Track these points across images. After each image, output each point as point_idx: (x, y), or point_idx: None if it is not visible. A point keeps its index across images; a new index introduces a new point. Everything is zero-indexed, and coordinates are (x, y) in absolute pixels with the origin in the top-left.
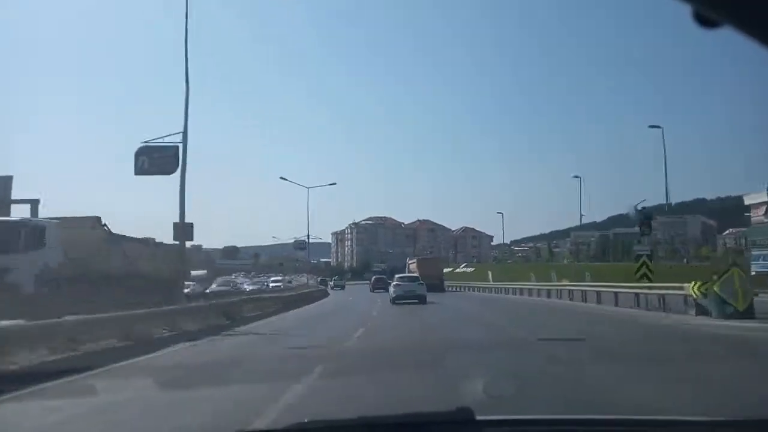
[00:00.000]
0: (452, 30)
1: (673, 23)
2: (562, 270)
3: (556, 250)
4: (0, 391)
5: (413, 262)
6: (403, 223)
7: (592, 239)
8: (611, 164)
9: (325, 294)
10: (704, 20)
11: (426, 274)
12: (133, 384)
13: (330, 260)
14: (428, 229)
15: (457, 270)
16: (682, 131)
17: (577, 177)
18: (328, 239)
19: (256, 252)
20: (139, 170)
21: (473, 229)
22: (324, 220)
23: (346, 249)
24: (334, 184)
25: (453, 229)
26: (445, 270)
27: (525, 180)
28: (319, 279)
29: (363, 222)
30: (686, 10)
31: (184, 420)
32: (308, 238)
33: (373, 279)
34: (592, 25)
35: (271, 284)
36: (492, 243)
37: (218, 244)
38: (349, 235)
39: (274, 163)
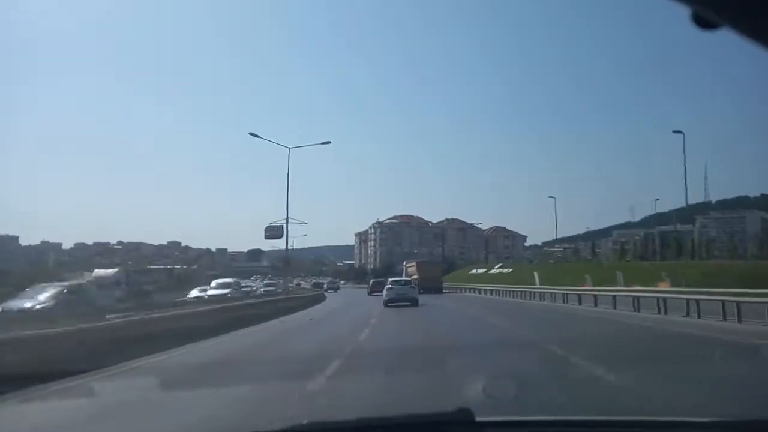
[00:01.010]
0: (478, 26)
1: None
2: (631, 271)
3: (597, 251)
4: (0, 391)
5: (412, 266)
6: (430, 222)
7: (637, 238)
8: (642, 164)
9: (315, 300)
10: (703, 22)
11: (424, 277)
12: None
13: (353, 262)
14: (457, 228)
15: (492, 271)
16: (726, 128)
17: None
18: (351, 241)
19: (281, 255)
20: None
21: (505, 228)
22: (347, 220)
23: (369, 250)
24: (329, 142)
25: (484, 228)
26: (478, 271)
27: (558, 179)
28: (312, 282)
29: (387, 221)
30: (685, 12)
31: None
32: (287, 223)
33: (371, 282)
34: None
35: (263, 289)
36: (525, 243)
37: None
38: (372, 235)
39: (297, 161)
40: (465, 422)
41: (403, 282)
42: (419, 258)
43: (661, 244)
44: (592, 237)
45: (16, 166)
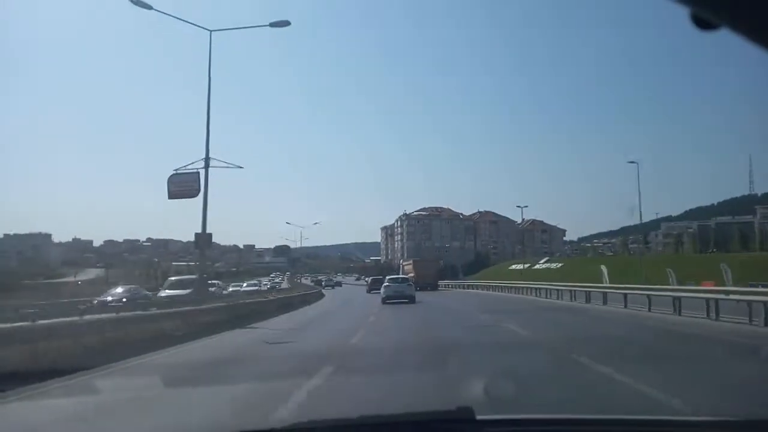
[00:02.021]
0: (505, 17)
1: None
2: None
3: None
4: (0, 390)
5: (409, 264)
6: (461, 213)
7: (689, 230)
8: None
9: (305, 300)
10: (702, 23)
11: (421, 275)
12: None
13: (380, 258)
14: (490, 221)
15: (536, 266)
16: None
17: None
18: (377, 238)
19: (308, 252)
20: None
21: (542, 222)
22: (376, 216)
23: (396, 244)
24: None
25: (518, 221)
26: (519, 266)
27: (595, 171)
28: (312, 280)
29: (415, 213)
30: (685, 12)
31: None
32: (207, 168)
33: (370, 280)
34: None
35: (244, 287)
36: (564, 238)
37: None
38: (398, 229)
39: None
40: (466, 420)
41: (400, 280)
42: (452, 252)
43: (716, 236)
44: (629, 232)
45: (49, 165)
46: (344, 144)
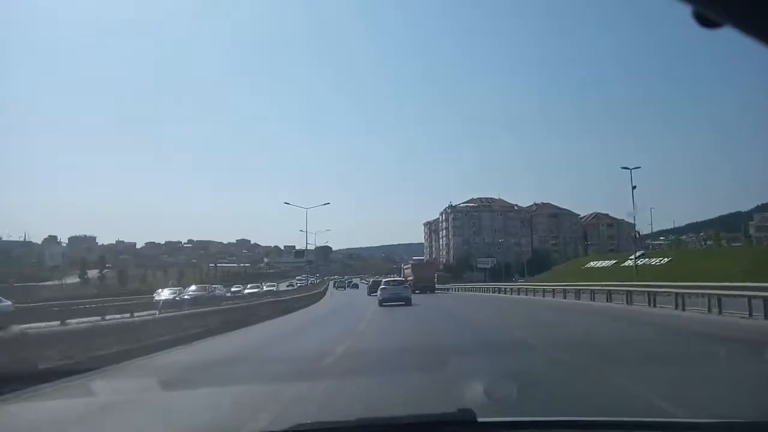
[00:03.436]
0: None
1: None
2: None
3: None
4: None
5: (408, 267)
6: (516, 205)
7: None
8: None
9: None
10: (705, 20)
11: (419, 278)
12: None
13: (423, 258)
14: (549, 214)
15: (625, 263)
16: None
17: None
18: (421, 239)
19: (350, 252)
20: None
21: (608, 215)
22: (421, 216)
23: (441, 241)
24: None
25: (581, 214)
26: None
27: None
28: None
29: (462, 205)
30: (686, 10)
31: None
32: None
33: (371, 282)
34: None
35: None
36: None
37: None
38: (443, 224)
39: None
40: (467, 423)
41: (396, 282)
42: (505, 248)
43: None
44: (701, 227)
45: (94, 170)
46: (386, 138)
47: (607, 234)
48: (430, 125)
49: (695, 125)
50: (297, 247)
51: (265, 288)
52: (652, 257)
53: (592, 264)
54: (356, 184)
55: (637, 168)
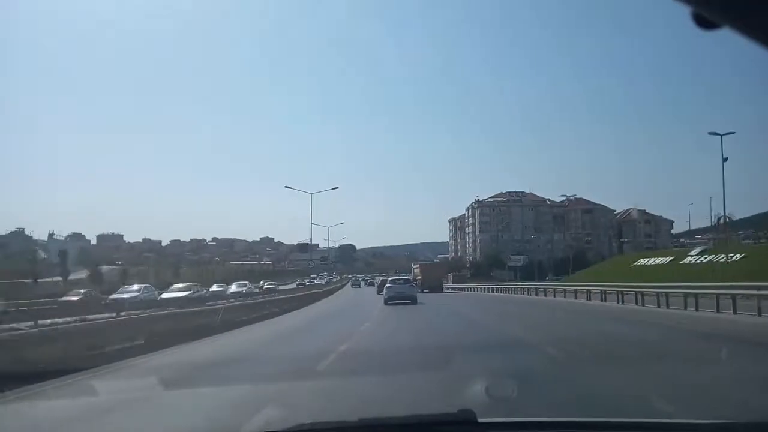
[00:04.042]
0: None
1: None
2: None
3: None
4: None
5: (417, 267)
6: (548, 199)
7: None
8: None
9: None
10: (703, 22)
11: (427, 278)
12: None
13: (448, 255)
14: (583, 209)
15: (685, 260)
16: None
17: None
18: (445, 237)
19: (374, 251)
20: None
21: (645, 211)
22: (446, 214)
23: (468, 238)
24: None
25: (617, 210)
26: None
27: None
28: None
29: (490, 199)
30: (685, 11)
31: None
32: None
33: (379, 281)
34: None
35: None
36: (672, 231)
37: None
38: (469, 220)
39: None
40: (467, 423)
41: (402, 281)
42: (536, 246)
43: None
44: (741, 226)
45: (121, 168)
46: (407, 136)
47: (645, 232)
48: (449, 122)
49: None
50: (320, 246)
51: (266, 286)
52: (715, 253)
53: (642, 261)
54: (380, 182)
55: (731, 133)
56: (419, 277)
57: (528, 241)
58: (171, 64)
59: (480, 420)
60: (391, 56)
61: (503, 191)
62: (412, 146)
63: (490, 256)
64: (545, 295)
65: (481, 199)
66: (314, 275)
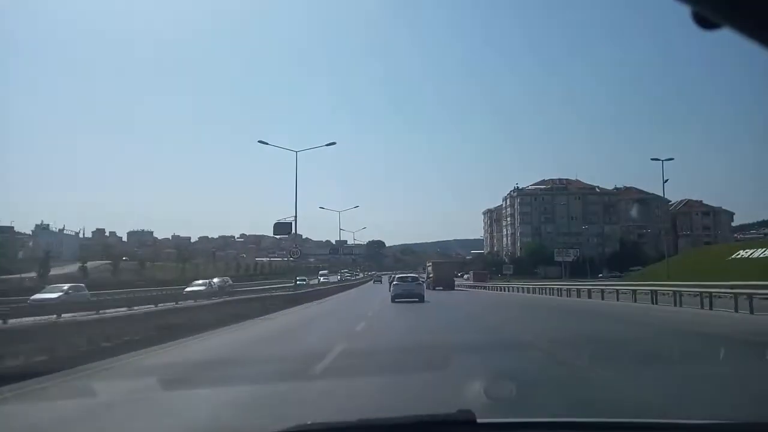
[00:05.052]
0: None
1: None
2: None
3: None
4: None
5: (430, 265)
6: (597, 186)
7: None
8: None
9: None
10: (704, 21)
11: (439, 276)
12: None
13: (482, 251)
14: (635, 199)
15: (756, 254)
16: None
17: None
18: (478, 234)
19: (404, 247)
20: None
21: (701, 202)
22: (479, 209)
23: (505, 230)
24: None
25: (672, 201)
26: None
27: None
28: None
29: (531, 187)
30: (686, 11)
31: None
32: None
33: (392, 278)
34: None
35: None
36: (732, 223)
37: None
38: (507, 210)
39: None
40: (466, 423)
41: (409, 279)
42: (585, 239)
43: None
44: None
45: (152, 169)
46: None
47: (703, 224)
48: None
49: None
50: (348, 243)
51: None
52: None
53: (740, 254)
54: (410, 179)
55: None
56: (431, 275)
57: (578, 234)
58: (201, 60)
59: (479, 420)
60: (409, 48)
61: (545, 179)
62: (445, 137)
63: (534, 251)
64: (615, 299)
65: (521, 188)
66: (343, 271)
